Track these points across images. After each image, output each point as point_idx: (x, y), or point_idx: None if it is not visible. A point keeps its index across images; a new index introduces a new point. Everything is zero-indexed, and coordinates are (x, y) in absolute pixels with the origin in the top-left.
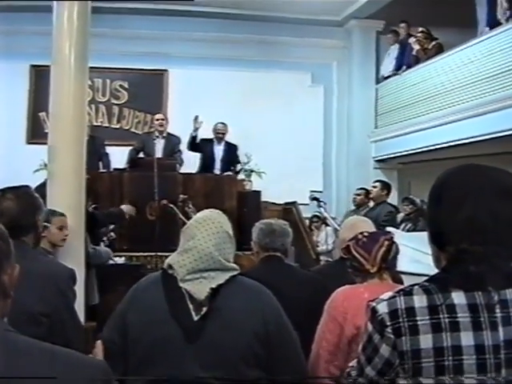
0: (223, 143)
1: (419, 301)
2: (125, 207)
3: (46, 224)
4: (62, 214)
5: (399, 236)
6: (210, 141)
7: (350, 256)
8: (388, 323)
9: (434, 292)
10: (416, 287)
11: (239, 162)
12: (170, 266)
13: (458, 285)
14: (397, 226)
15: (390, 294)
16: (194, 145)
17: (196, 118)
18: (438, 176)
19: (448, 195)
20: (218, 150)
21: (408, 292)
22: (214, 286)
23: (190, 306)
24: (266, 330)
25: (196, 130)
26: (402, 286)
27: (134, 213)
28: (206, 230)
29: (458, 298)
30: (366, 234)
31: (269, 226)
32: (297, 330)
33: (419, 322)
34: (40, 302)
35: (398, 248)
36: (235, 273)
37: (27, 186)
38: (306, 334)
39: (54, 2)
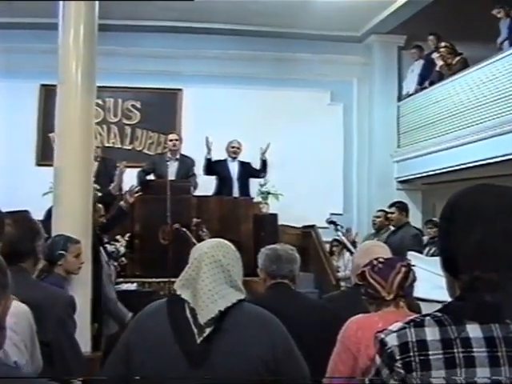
0: (237, 162)
1: (431, 333)
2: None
3: (62, 252)
4: (78, 241)
5: (422, 261)
6: (224, 160)
7: (365, 282)
8: (398, 357)
9: (447, 324)
10: (428, 318)
11: (262, 171)
12: (183, 283)
13: (473, 316)
14: (422, 251)
15: (399, 324)
16: (209, 168)
17: (206, 139)
18: (448, 198)
19: (458, 219)
20: (234, 169)
21: (419, 323)
22: (222, 308)
23: (194, 330)
24: (273, 356)
25: (209, 151)
26: (414, 316)
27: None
28: (216, 245)
29: (474, 330)
30: (381, 259)
31: (275, 252)
32: (305, 358)
33: (431, 357)
34: (39, 331)
35: (415, 275)
36: (242, 297)
37: (26, 211)
38: (315, 363)
39: (60, 21)
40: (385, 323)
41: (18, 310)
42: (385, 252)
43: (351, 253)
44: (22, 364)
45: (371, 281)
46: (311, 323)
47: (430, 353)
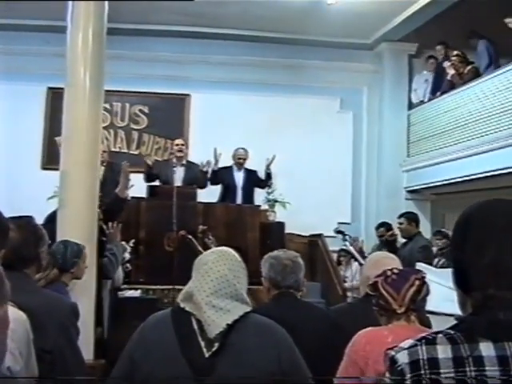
0: (243, 170)
1: (443, 351)
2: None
3: (76, 260)
4: (84, 247)
5: (431, 272)
6: (230, 168)
7: (376, 293)
8: (408, 375)
9: (459, 342)
10: (440, 335)
11: (266, 183)
12: (186, 297)
13: (487, 334)
14: (431, 262)
15: (410, 341)
16: (215, 179)
17: (215, 150)
18: (463, 212)
19: (471, 235)
20: (239, 178)
21: (431, 341)
22: (230, 322)
23: (202, 343)
24: (279, 368)
25: (216, 163)
26: (428, 331)
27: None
28: (220, 256)
29: (487, 349)
30: (395, 271)
31: (279, 262)
32: (309, 368)
33: (442, 376)
34: (41, 338)
35: (428, 289)
36: (248, 309)
37: (30, 217)
38: (319, 373)
39: (69, 23)
40: (395, 338)
41: (15, 317)
42: (395, 263)
43: (359, 263)
44: (15, 370)
45: (383, 292)
46: (316, 333)
47: (442, 371)
